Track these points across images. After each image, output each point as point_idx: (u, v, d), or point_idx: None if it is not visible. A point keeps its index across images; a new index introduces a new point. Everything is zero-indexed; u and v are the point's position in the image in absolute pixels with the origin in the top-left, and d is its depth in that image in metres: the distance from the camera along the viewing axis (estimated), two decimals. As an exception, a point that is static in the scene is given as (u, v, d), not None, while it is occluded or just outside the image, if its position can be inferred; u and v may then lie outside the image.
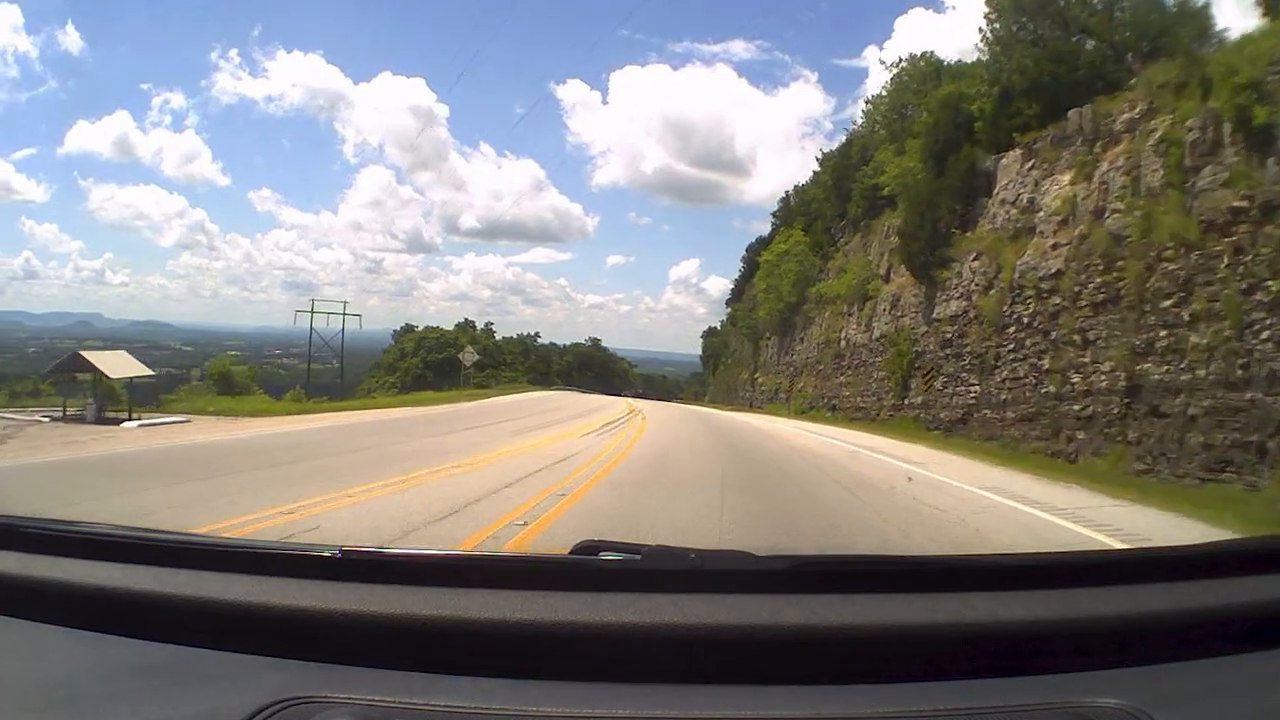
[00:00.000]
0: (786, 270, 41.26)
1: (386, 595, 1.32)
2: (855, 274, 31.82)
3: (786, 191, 56.78)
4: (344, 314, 57.88)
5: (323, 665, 1.24)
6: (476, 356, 45.14)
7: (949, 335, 22.18)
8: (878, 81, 43.89)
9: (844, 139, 42.94)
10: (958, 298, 22.11)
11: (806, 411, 33.84)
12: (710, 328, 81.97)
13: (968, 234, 22.76)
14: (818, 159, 49.55)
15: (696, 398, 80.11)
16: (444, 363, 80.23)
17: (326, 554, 1.43)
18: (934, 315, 23.41)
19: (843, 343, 32.48)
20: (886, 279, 29.52)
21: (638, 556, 1.42)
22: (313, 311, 56.56)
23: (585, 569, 1.44)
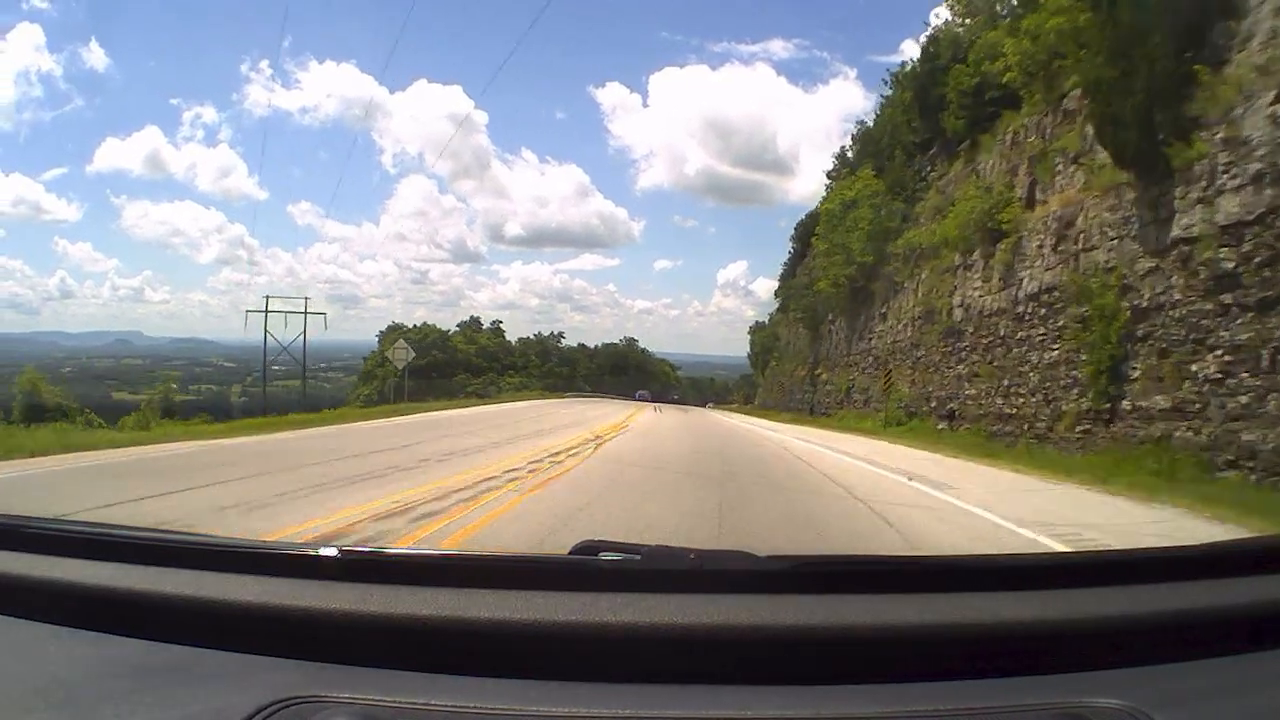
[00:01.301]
0: (858, 220, 29.68)
1: (386, 595, 1.31)
2: (971, 206, 20.28)
3: (842, 146, 45.06)
4: (305, 312, 46.23)
5: (323, 665, 1.23)
6: (411, 355, 33.66)
7: (1232, 265, 10.60)
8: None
9: (924, 40, 31.04)
10: (1244, 184, 10.56)
11: (904, 424, 22.29)
12: (758, 322, 71.12)
13: (1224, 72, 11.44)
14: (886, 80, 37.48)
15: (746, 402, 70.43)
16: (429, 367, 69.75)
17: (326, 554, 1.43)
18: (1177, 233, 11.84)
19: (956, 312, 20.95)
20: (1029, 202, 18.00)
21: (637, 557, 1.40)
22: (266, 311, 45.70)
23: (585, 569, 1.42)
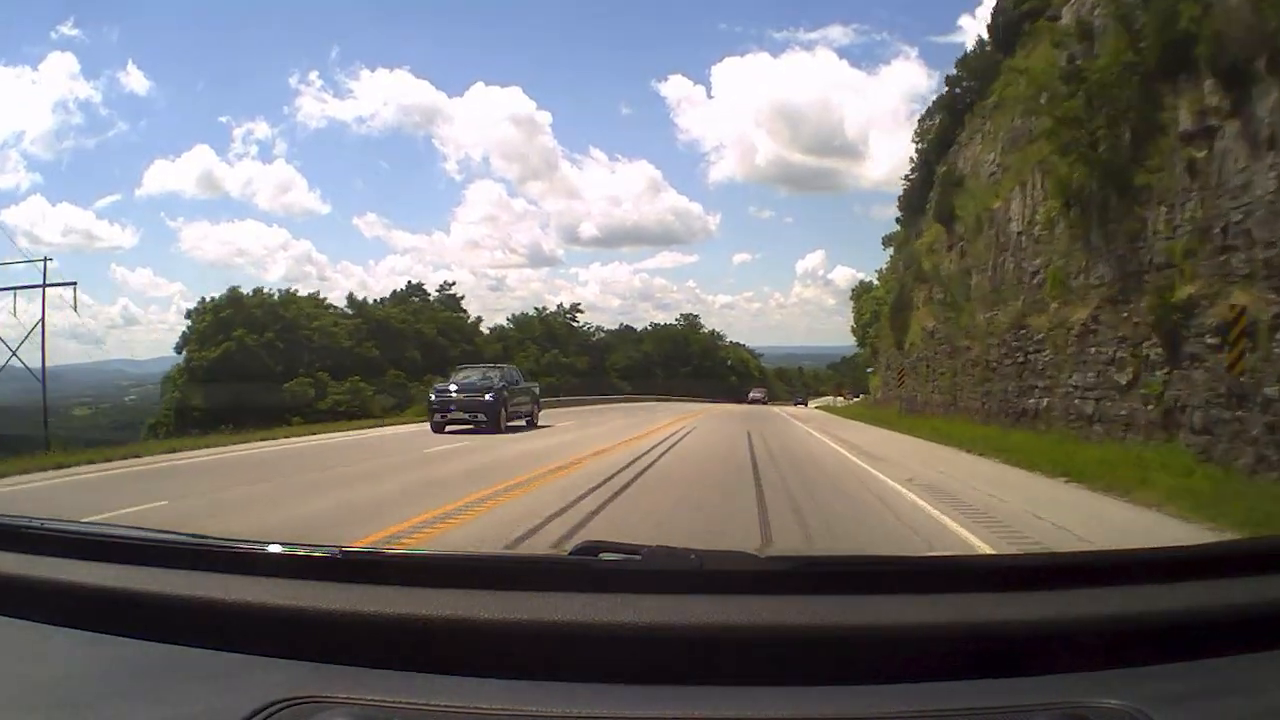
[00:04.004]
0: None
1: (386, 595, 1.32)
2: None
3: None
4: (44, 285, 25.39)
5: (323, 665, 1.23)
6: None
7: None
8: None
9: None
10: None
11: None
12: (862, 282, 54.68)
13: None
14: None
15: (843, 397, 50.37)
16: (242, 365, 42.59)
17: (326, 554, 1.46)
18: None
19: None
20: None
21: (638, 557, 1.40)
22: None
23: (585, 569, 1.42)
